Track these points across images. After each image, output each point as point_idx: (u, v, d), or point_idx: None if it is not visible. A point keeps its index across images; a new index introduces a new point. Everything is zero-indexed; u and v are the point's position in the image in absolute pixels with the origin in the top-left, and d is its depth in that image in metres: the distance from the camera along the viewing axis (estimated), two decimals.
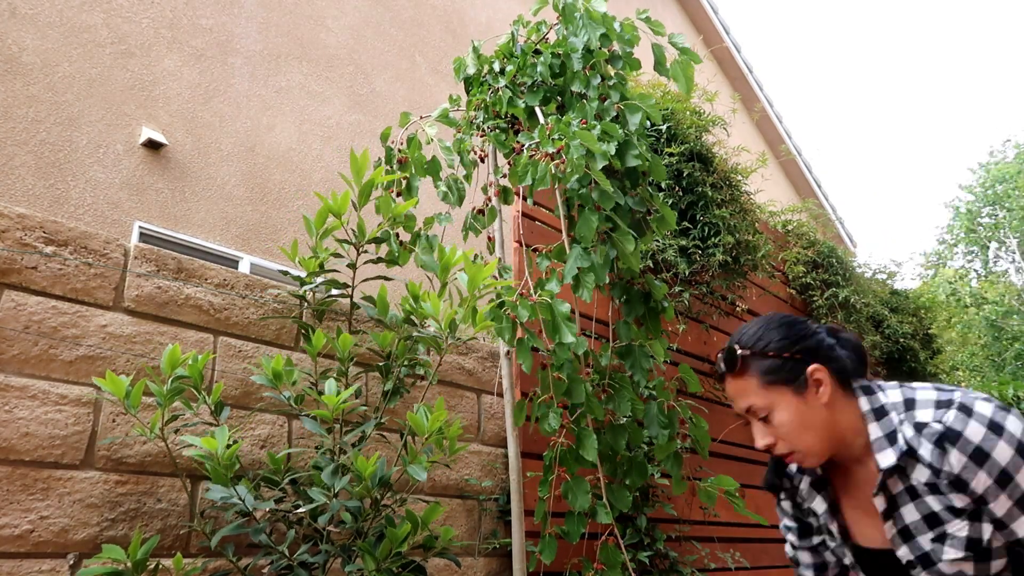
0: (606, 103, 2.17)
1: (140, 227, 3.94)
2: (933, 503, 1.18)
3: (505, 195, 2.55)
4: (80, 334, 1.80)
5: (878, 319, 5.36)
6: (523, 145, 2.20)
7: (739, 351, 1.26)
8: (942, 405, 1.18)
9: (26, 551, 1.61)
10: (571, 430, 2.16)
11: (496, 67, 2.49)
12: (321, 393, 1.82)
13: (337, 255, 2.10)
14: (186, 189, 4.20)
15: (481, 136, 2.53)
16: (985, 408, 1.16)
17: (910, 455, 1.19)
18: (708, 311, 4.01)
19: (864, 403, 1.24)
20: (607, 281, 2.22)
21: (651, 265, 3.48)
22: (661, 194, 3.03)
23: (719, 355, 1.31)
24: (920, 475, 1.18)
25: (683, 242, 3.66)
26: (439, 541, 1.81)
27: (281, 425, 2.13)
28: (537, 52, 2.38)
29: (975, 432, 1.14)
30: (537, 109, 2.33)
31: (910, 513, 1.21)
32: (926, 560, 1.19)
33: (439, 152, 2.48)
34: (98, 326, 1.84)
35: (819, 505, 1.33)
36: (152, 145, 4.10)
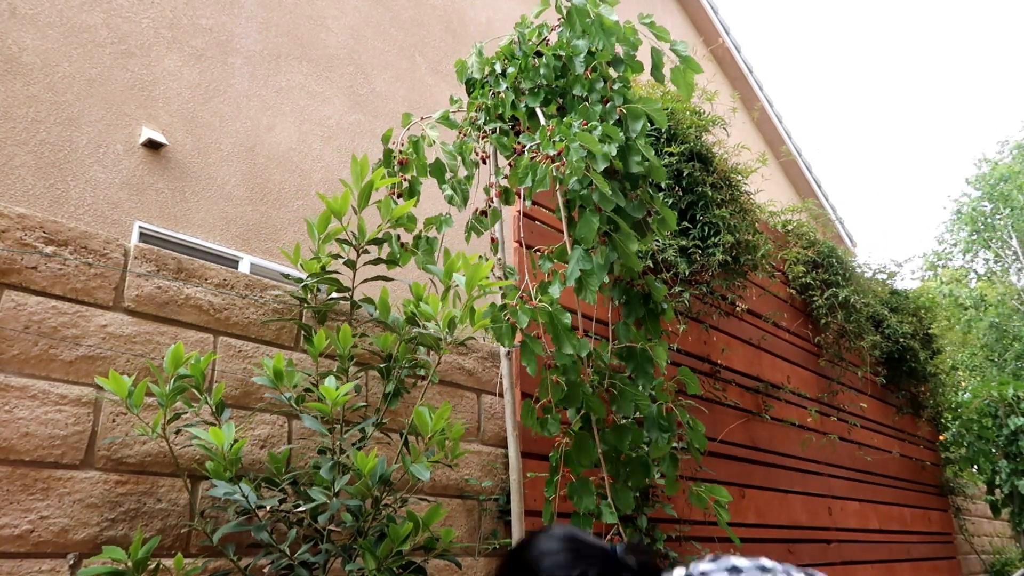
0: (608, 106, 2.16)
1: (140, 227, 3.94)
2: None
3: (506, 196, 2.55)
4: (80, 334, 1.80)
5: (878, 319, 5.36)
6: (524, 146, 2.20)
7: None
8: None
9: (26, 551, 1.61)
10: (569, 433, 2.17)
11: (498, 68, 2.49)
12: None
13: (337, 256, 2.10)
14: (186, 189, 4.20)
15: (483, 138, 2.53)
16: None
17: None
18: (708, 311, 4.01)
19: None
20: (607, 282, 2.22)
21: (651, 265, 3.48)
22: (661, 194, 3.03)
23: None
24: None
25: (683, 242, 3.66)
26: (440, 542, 1.81)
27: (281, 425, 2.13)
28: (538, 54, 2.38)
29: None
30: (538, 110, 2.33)
31: None
32: None
33: (441, 154, 2.48)
34: (98, 326, 1.83)
35: None
36: (152, 145, 4.09)
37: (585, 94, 2.22)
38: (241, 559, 1.83)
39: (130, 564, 1.53)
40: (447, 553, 1.84)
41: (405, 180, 2.46)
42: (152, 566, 1.59)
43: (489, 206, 2.52)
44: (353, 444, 2.01)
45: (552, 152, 2.04)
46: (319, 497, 1.72)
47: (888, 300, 5.67)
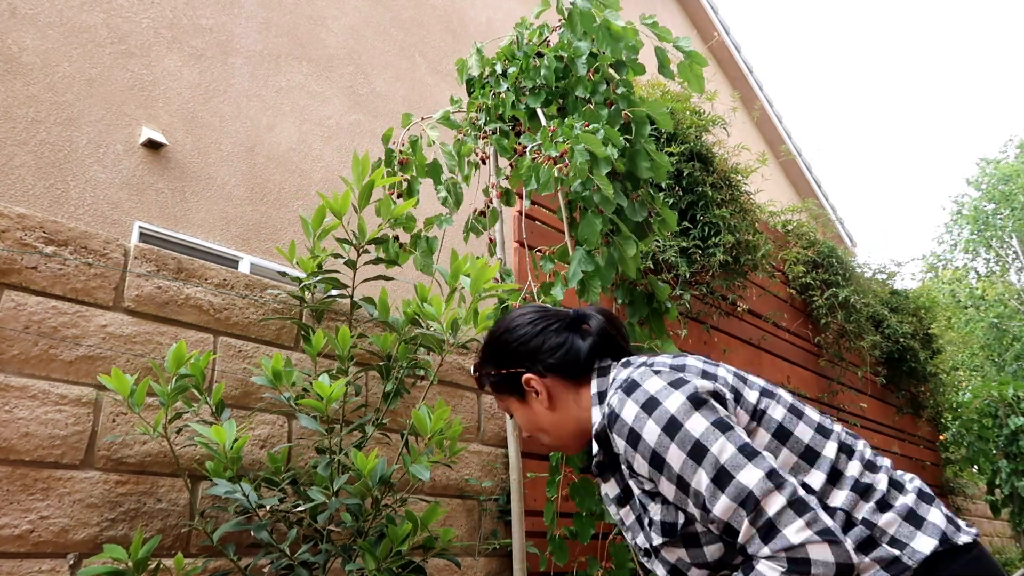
0: (612, 109, 2.16)
1: (140, 227, 3.94)
2: (633, 486, 1.13)
3: (507, 197, 2.55)
4: (80, 334, 1.80)
5: (878, 319, 5.36)
6: (525, 147, 2.20)
7: (474, 371, 1.39)
8: (624, 382, 1.13)
9: (26, 551, 1.61)
10: None
11: (499, 69, 2.49)
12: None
13: (336, 255, 2.10)
14: (186, 189, 4.20)
15: (483, 138, 2.53)
16: (652, 383, 1.08)
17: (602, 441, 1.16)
18: (708, 311, 4.01)
19: (594, 386, 1.23)
20: (611, 284, 2.21)
21: (651, 266, 3.48)
22: (661, 195, 3.03)
23: None
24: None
25: (683, 243, 3.66)
26: (439, 542, 1.81)
27: (281, 425, 2.13)
28: (539, 55, 2.37)
29: (629, 412, 1.07)
30: (539, 111, 2.33)
31: (626, 512, 1.20)
32: (652, 548, 1.14)
33: (440, 154, 2.48)
34: (98, 326, 1.83)
35: (610, 489, 1.26)
36: (152, 145, 4.09)
37: (588, 96, 2.22)
38: (241, 559, 1.83)
39: (130, 564, 1.53)
40: (447, 553, 1.84)
41: (405, 180, 2.46)
42: (152, 566, 1.59)
43: (488, 207, 2.52)
44: (353, 444, 2.01)
45: (555, 153, 2.04)
46: (319, 497, 1.72)
47: (888, 300, 5.67)
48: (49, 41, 3.83)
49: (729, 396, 1.11)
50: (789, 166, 10.99)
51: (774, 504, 0.96)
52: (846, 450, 1.11)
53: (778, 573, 0.94)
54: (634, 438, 1.06)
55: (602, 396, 1.20)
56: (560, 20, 2.34)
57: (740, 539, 0.98)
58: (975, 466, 6.69)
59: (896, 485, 1.10)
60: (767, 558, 0.96)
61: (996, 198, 17.52)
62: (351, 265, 2.07)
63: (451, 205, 2.48)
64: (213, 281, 2.10)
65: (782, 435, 1.10)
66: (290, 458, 2.09)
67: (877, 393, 5.72)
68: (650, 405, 1.06)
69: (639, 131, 2.11)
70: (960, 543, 1.03)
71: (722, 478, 0.99)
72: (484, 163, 2.58)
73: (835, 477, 1.07)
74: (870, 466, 1.11)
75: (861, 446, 1.14)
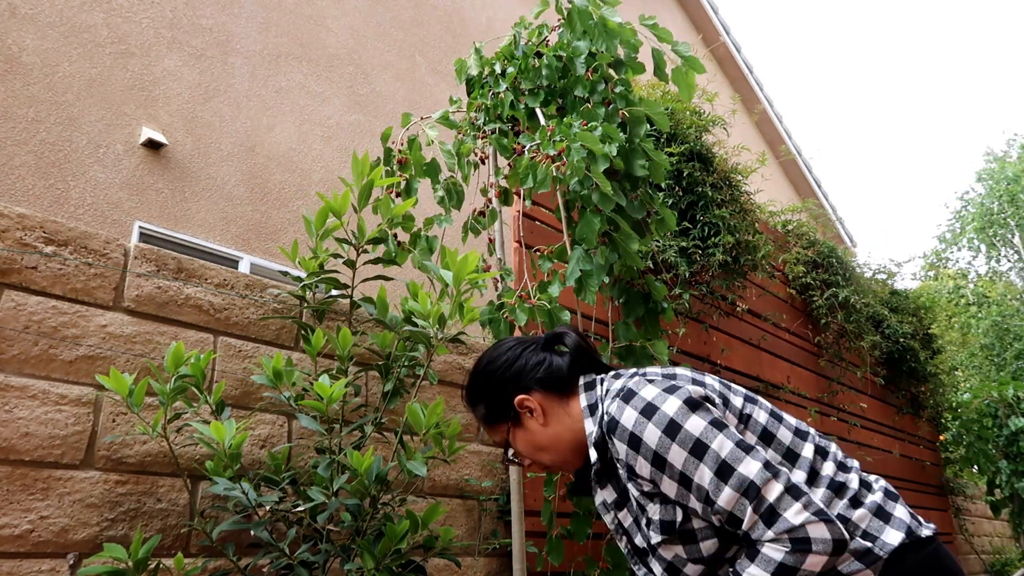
0: (610, 108, 2.16)
1: (140, 227, 3.94)
2: (632, 488, 1.19)
3: (505, 196, 2.55)
4: (80, 334, 1.80)
5: (878, 319, 5.36)
6: (524, 147, 2.20)
7: (466, 406, 1.42)
8: (620, 391, 1.20)
9: (26, 551, 1.61)
10: None
11: (497, 69, 2.49)
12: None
13: (337, 255, 2.10)
14: (186, 189, 4.21)
15: (482, 138, 2.53)
16: (648, 391, 1.16)
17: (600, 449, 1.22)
18: (708, 311, 4.01)
19: (583, 400, 1.29)
20: (606, 281, 2.21)
21: (651, 266, 3.48)
22: (660, 195, 3.03)
23: None
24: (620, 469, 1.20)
25: (683, 243, 3.66)
26: (439, 541, 1.81)
27: (281, 425, 2.14)
28: (538, 55, 2.37)
29: (629, 418, 1.14)
30: (538, 111, 2.33)
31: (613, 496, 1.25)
32: (649, 547, 1.20)
33: (439, 154, 2.48)
34: (98, 326, 1.84)
35: (607, 495, 1.31)
36: (152, 145, 4.10)
37: (587, 95, 2.22)
38: (241, 559, 1.83)
39: (130, 564, 1.53)
40: (447, 552, 1.84)
41: (404, 180, 2.46)
42: (152, 566, 1.59)
43: (487, 206, 2.52)
44: (352, 444, 2.01)
45: (552, 152, 2.04)
46: (318, 496, 1.72)
47: (888, 300, 5.67)
48: (49, 41, 3.83)
49: (718, 400, 1.19)
50: (789, 166, 10.99)
51: (773, 491, 1.04)
52: (821, 452, 1.20)
53: (782, 553, 1.02)
54: (635, 442, 1.13)
55: (593, 408, 1.26)
56: (559, 20, 2.34)
57: (744, 526, 1.06)
58: (975, 466, 6.69)
59: (865, 484, 1.19)
60: (771, 541, 1.04)
61: (1000, 196, 17.47)
62: (350, 265, 2.07)
63: (449, 204, 2.49)
64: (213, 281, 2.10)
65: (766, 437, 1.18)
66: (290, 457, 2.09)
67: (877, 393, 5.72)
68: (648, 410, 1.13)
69: (635, 130, 2.11)
70: (923, 536, 1.13)
71: (724, 471, 1.06)
72: (483, 163, 2.58)
73: (812, 476, 1.15)
74: (842, 466, 1.20)
75: (834, 448, 1.23)
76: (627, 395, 1.17)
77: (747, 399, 1.23)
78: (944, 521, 6.31)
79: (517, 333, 2.11)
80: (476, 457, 2.65)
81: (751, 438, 1.17)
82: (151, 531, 1.80)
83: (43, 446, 1.68)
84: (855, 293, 5.00)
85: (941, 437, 6.67)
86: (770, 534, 1.03)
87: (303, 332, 2.18)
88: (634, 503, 1.21)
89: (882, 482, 1.22)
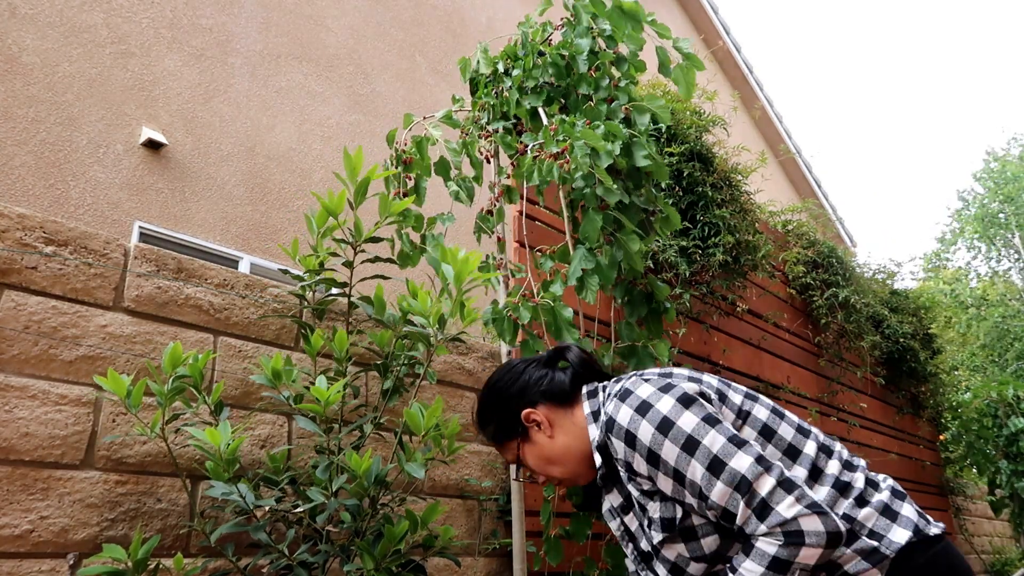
0: (613, 105, 2.16)
1: (140, 227, 3.94)
2: (632, 489, 1.21)
3: (509, 195, 2.54)
4: (80, 334, 1.80)
5: (878, 319, 5.36)
6: (527, 146, 2.20)
7: (477, 429, 1.45)
8: (618, 393, 1.22)
9: (26, 551, 1.61)
10: None
11: (501, 68, 2.49)
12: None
13: (335, 254, 2.09)
14: (186, 189, 4.20)
15: (486, 137, 2.53)
16: (644, 390, 1.18)
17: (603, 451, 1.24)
18: (708, 311, 4.01)
19: (587, 407, 1.31)
20: (613, 283, 2.21)
21: (651, 266, 3.48)
22: (661, 194, 3.03)
23: None
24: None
25: (683, 242, 3.66)
26: (439, 540, 1.80)
27: (281, 425, 2.13)
28: (541, 54, 2.37)
29: (625, 416, 1.16)
30: (540, 110, 2.33)
31: (615, 498, 1.28)
32: (653, 547, 1.21)
33: (445, 153, 2.48)
34: (98, 326, 1.83)
35: (613, 499, 1.34)
36: (152, 145, 4.09)
37: (591, 92, 2.22)
38: (240, 559, 1.83)
39: (130, 564, 1.53)
40: (447, 552, 1.83)
41: (410, 180, 2.46)
42: (152, 566, 1.59)
43: (494, 205, 2.52)
44: (351, 444, 2.00)
45: (556, 150, 2.04)
46: (317, 497, 1.72)
47: (888, 300, 5.67)
48: (49, 41, 3.83)
49: (715, 397, 1.20)
50: (789, 166, 10.99)
51: (765, 485, 1.04)
52: (825, 450, 1.20)
53: (775, 547, 1.03)
54: (631, 439, 1.15)
55: (596, 415, 1.28)
56: (563, 19, 2.34)
57: (737, 521, 1.06)
58: (975, 466, 6.69)
59: (871, 483, 1.18)
60: (764, 535, 1.04)
61: (1002, 196, 17.46)
62: (348, 265, 2.07)
63: (464, 199, 2.48)
64: (213, 281, 2.10)
65: (767, 433, 1.18)
66: (290, 457, 2.09)
67: (877, 393, 5.72)
68: (643, 408, 1.15)
69: (639, 120, 2.11)
70: (931, 535, 1.13)
71: (716, 466, 1.07)
72: (488, 162, 2.58)
73: (816, 474, 1.15)
74: (848, 465, 1.19)
75: (839, 447, 1.23)
76: (624, 395, 1.19)
77: (747, 396, 1.24)
78: (944, 521, 6.30)
79: (520, 333, 2.11)
80: (476, 457, 2.65)
81: (750, 434, 1.18)
82: (151, 531, 1.79)
83: (43, 446, 1.68)
84: (855, 293, 4.99)
85: (941, 437, 6.67)
86: (763, 528, 1.03)
87: (303, 332, 2.18)
88: (638, 506, 1.22)
89: (890, 481, 1.21)
